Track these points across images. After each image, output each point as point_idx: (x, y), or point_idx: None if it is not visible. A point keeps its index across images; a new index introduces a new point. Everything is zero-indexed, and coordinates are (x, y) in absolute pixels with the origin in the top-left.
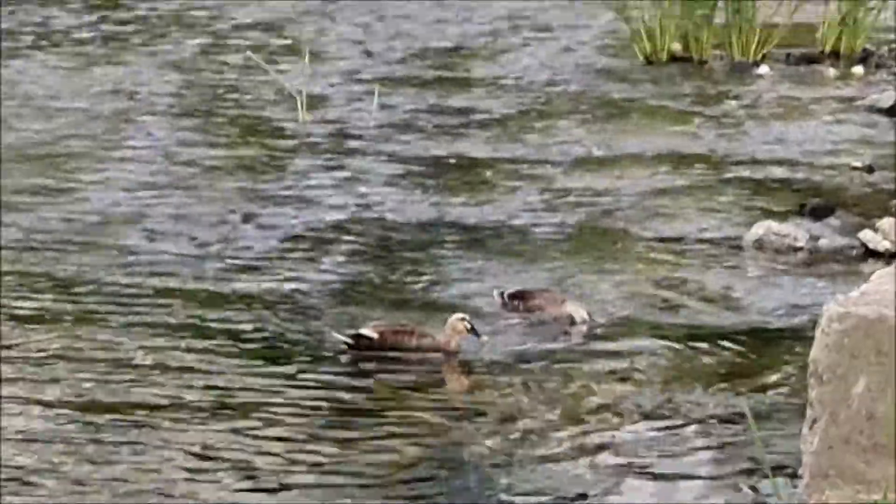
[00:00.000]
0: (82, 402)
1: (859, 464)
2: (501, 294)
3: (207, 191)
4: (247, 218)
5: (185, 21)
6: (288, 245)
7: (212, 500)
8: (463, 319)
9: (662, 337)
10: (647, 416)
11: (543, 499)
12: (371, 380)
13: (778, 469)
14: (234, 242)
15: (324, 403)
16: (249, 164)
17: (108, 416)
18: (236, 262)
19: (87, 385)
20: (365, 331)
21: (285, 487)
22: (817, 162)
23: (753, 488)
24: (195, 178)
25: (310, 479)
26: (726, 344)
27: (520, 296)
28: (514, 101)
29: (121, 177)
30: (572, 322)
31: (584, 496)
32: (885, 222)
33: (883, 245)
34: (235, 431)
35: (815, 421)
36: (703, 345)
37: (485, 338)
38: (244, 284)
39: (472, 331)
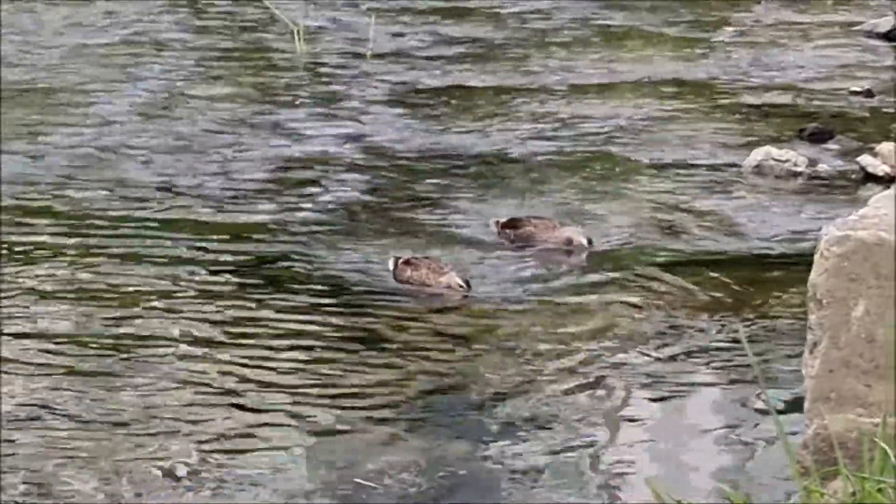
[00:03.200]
0: (82, 335)
1: (860, 387)
2: (497, 223)
3: (205, 122)
4: (244, 149)
5: None
6: (284, 175)
7: (216, 430)
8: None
9: (663, 263)
10: (648, 343)
11: (546, 425)
12: (370, 309)
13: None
14: (231, 173)
15: (324, 332)
16: (247, 95)
17: (108, 349)
18: (233, 192)
19: (87, 318)
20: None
21: (289, 415)
22: (816, 87)
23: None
24: (193, 110)
25: (311, 409)
26: (727, 270)
27: (513, 224)
28: (513, 29)
29: (118, 109)
30: (570, 247)
31: (583, 420)
32: (885, 147)
33: (882, 169)
34: (237, 363)
35: (815, 345)
36: (705, 271)
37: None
38: (242, 215)
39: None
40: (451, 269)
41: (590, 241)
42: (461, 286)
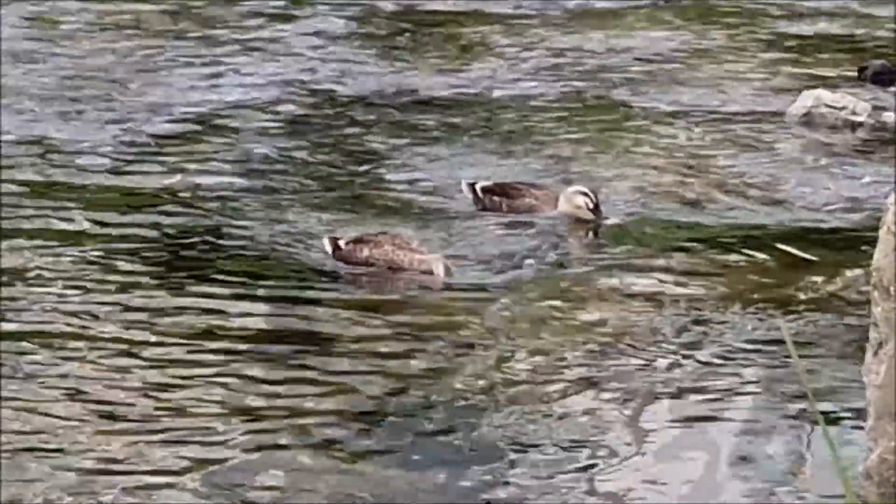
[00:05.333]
0: None
1: None
2: (472, 186)
3: (92, 57)
4: (143, 93)
5: None
6: (195, 127)
7: (105, 457)
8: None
9: (686, 241)
10: (667, 344)
11: (535, 449)
12: (310, 299)
13: (830, 413)
14: (127, 124)
15: (250, 329)
16: (145, 25)
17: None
18: (131, 148)
19: None
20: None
21: (202, 439)
22: (881, 14)
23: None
24: (77, 39)
25: (233, 428)
26: (766, 249)
27: (501, 191)
28: None
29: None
30: (573, 222)
31: (580, 444)
32: None
33: None
34: (140, 368)
35: (880, 345)
36: (738, 251)
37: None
38: (144, 178)
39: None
40: (424, 248)
41: (597, 212)
42: (447, 271)
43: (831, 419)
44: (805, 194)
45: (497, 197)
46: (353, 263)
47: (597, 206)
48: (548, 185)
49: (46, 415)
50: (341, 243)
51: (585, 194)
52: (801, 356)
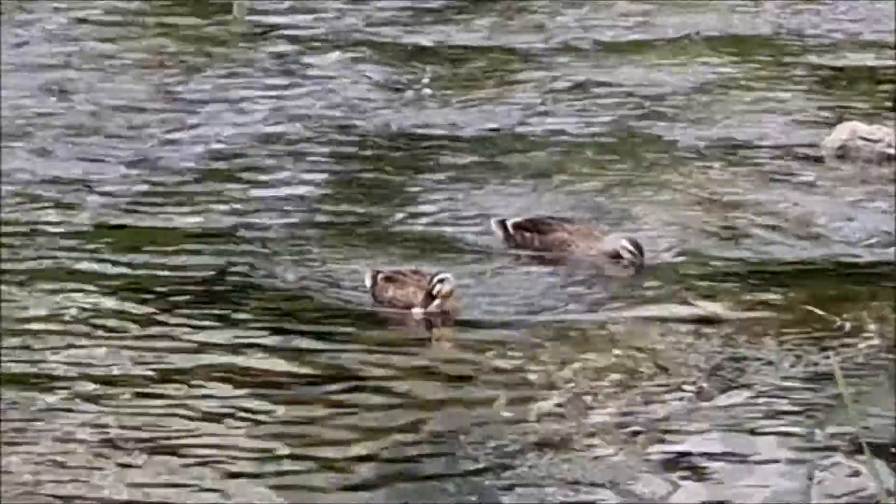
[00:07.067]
0: None
1: None
2: (503, 223)
3: (115, 96)
4: (168, 129)
5: None
6: (219, 166)
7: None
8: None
9: (722, 276)
10: (703, 381)
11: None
12: (338, 338)
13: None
14: (152, 163)
15: (278, 369)
16: (170, 60)
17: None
18: (155, 188)
19: None
20: None
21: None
22: None
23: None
24: (101, 79)
25: (261, 468)
26: (803, 283)
27: (532, 227)
28: None
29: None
30: (615, 260)
31: (616, 484)
32: None
33: None
34: (166, 408)
35: None
36: (774, 285)
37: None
38: (168, 218)
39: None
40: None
41: (639, 250)
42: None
43: (876, 451)
44: (841, 228)
45: (529, 233)
46: (380, 301)
47: (639, 252)
48: (580, 220)
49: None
50: (378, 278)
51: (631, 245)
52: (835, 395)
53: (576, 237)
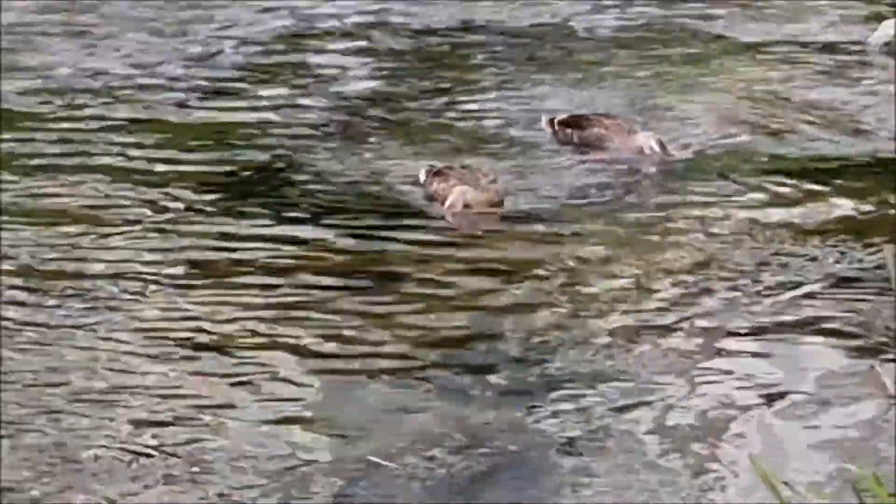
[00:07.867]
0: (30, 265)
1: None
2: (551, 121)
3: None
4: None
5: None
6: (271, 60)
7: (188, 391)
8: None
9: (766, 173)
10: (745, 279)
11: (608, 384)
12: (384, 234)
13: None
14: (207, 59)
15: (325, 264)
16: None
17: (59, 288)
18: (211, 83)
19: (37, 246)
20: None
21: (280, 372)
22: None
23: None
24: None
25: (308, 364)
26: (850, 179)
27: (575, 122)
28: None
29: None
30: (642, 156)
31: (653, 380)
32: None
33: None
34: (216, 303)
35: None
36: (820, 184)
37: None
38: (220, 113)
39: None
40: (492, 179)
41: (662, 147)
42: (499, 199)
43: None
44: (887, 124)
45: (570, 129)
46: (428, 196)
47: (663, 149)
48: (619, 115)
49: (122, 353)
50: (430, 173)
51: (654, 142)
52: (882, 290)
53: (612, 132)
